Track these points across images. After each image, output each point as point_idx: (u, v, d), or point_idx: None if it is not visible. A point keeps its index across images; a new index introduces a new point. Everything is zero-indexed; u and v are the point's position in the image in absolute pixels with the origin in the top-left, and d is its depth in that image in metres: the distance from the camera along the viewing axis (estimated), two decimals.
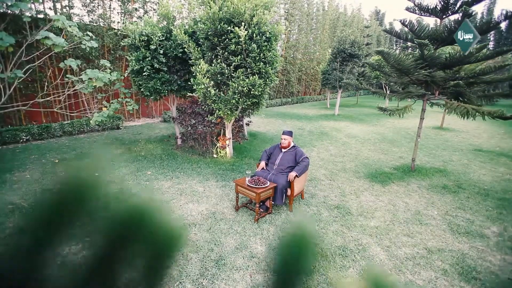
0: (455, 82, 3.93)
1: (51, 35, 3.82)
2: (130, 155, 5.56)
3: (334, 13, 20.82)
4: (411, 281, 2.32)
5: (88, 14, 7.95)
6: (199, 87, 4.56)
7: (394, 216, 3.42)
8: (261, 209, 3.35)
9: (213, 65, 4.50)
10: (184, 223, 3.10)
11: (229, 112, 4.79)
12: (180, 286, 2.19)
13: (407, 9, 4.68)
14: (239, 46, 4.21)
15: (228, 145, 5.49)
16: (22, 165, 4.77)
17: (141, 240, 0.23)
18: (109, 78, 4.72)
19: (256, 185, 3.13)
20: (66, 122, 7.07)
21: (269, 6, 4.41)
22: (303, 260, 0.24)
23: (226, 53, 4.38)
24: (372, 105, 17.95)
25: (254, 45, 4.18)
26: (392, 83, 5.16)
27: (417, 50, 4.26)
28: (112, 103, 5.06)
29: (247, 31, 4.09)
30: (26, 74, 4.37)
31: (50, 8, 7.30)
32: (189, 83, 5.37)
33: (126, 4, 8.46)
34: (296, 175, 3.28)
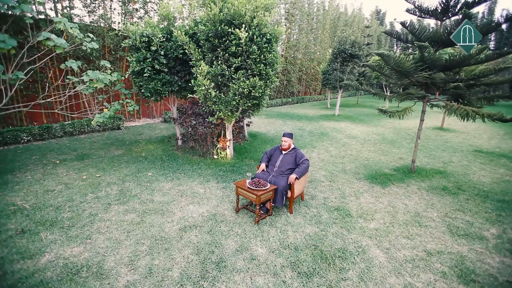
0: (455, 84, 3.93)
1: (53, 36, 3.83)
2: (130, 156, 5.58)
3: (335, 13, 20.80)
4: (410, 283, 2.34)
5: (89, 15, 7.96)
6: (200, 88, 4.57)
7: (393, 218, 3.43)
8: (261, 211, 3.37)
9: (213, 66, 4.51)
10: (185, 224, 3.12)
11: (229, 114, 4.80)
12: None
13: (407, 10, 4.69)
14: (239, 48, 4.22)
15: (228, 146, 5.50)
16: (23, 166, 4.79)
17: None
18: (109, 79, 4.74)
19: (256, 187, 3.15)
20: (67, 122, 7.09)
21: (269, 7, 4.42)
22: None
23: (227, 54, 4.39)
24: (372, 105, 17.95)
25: (255, 47, 4.19)
26: (392, 85, 5.17)
27: (418, 51, 4.26)
28: (112, 104, 5.08)
29: (247, 33, 4.10)
30: (28, 76, 4.39)
31: (51, 9, 7.31)
32: (189, 84, 5.38)
33: (126, 4, 8.46)
34: (296, 177, 3.30)
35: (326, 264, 2.54)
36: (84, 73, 4.40)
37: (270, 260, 2.57)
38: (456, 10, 4.14)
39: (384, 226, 3.24)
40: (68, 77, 4.88)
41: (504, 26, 26.96)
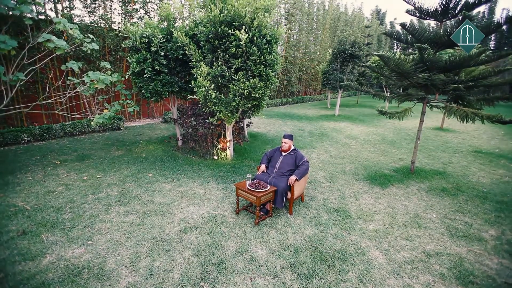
0: (455, 85, 3.94)
1: (53, 38, 3.84)
2: (131, 157, 5.59)
3: (335, 12, 20.79)
4: (409, 285, 2.35)
5: (89, 15, 7.96)
6: (200, 89, 4.58)
7: (393, 219, 3.45)
8: (261, 212, 3.38)
9: (213, 67, 4.52)
10: (186, 226, 3.14)
11: (229, 115, 4.81)
12: None
13: (408, 12, 4.70)
14: (239, 49, 4.23)
15: (228, 147, 5.51)
16: (24, 167, 4.80)
17: None
18: (110, 80, 4.75)
19: (256, 188, 3.16)
20: (67, 123, 7.10)
21: (269, 9, 4.42)
22: None
23: (227, 55, 4.40)
24: (372, 105, 17.95)
25: (255, 48, 4.20)
26: (392, 85, 5.18)
27: (417, 52, 4.27)
28: (113, 105, 5.08)
29: (247, 34, 4.11)
30: (28, 77, 4.39)
31: (51, 9, 7.32)
32: (190, 85, 5.38)
33: (126, 5, 8.46)
34: (296, 179, 3.31)
35: (326, 265, 2.56)
36: (84, 74, 4.41)
37: (270, 262, 2.58)
38: (456, 12, 4.15)
39: (384, 228, 3.25)
40: (69, 77, 4.89)
41: (504, 27, 26.94)
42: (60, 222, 3.12)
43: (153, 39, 4.98)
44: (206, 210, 3.51)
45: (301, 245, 2.85)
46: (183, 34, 4.73)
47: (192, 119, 5.82)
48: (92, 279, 2.30)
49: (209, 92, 4.51)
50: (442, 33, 4.11)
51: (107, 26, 8.26)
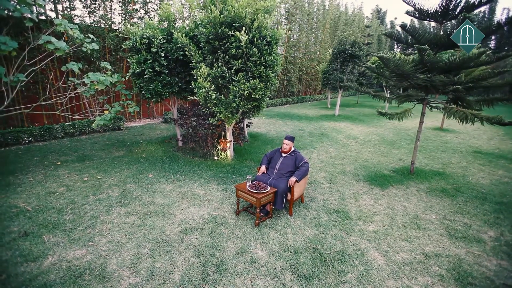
0: (455, 87, 3.95)
1: (53, 39, 3.85)
2: (131, 157, 5.61)
3: (335, 12, 20.76)
4: (408, 286, 2.37)
5: (89, 16, 7.96)
6: (200, 90, 4.59)
7: (392, 221, 3.46)
8: (261, 214, 3.40)
9: (214, 68, 4.53)
10: (186, 227, 3.16)
11: (230, 115, 4.83)
12: None
13: (408, 13, 4.70)
14: (240, 50, 4.24)
15: (229, 148, 5.53)
16: (24, 167, 4.82)
17: None
18: (110, 81, 4.76)
19: (257, 190, 3.18)
20: (67, 123, 7.11)
21: (269, 10, 4.43)
22: None
23: (227, 56, 4.41)
24: (372, 105, 17.96)
25: (255, 49, 4.21)
26: (392, 86, 5.18)
27: (417, 53, 4.27)
28: (113, 105, 5.10)
29: (248, 35, 4.12)
30: (29, 78, 4.41)
31: (51, 10, 7.32)
32: (190, 86, 5.40)
33: (126, 5, 8.46)
34: (296, 180, 3.33)
35: (326, 267, 2.58)
36: (85, 75, 4.42)
37: (270, 263, 2.60)
38: (456, 13, 4.15)
39: (383, 229, 3.27)
40: (69, 78, 4.91)
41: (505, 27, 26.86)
42: (61, 223, 3.14)
43: (153, 40, 4.99)
44: (206, 211, 3.53)
45: (301, 246, 2.87)
46: (183, 35, 4.74)
47: (193, 119, 5.83)
48: (94, 280, 2.32)
49: (209, 93, 4.53)
50: (442, 34, 4.11)
51: (107, 26, 8.27)
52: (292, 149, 3.74)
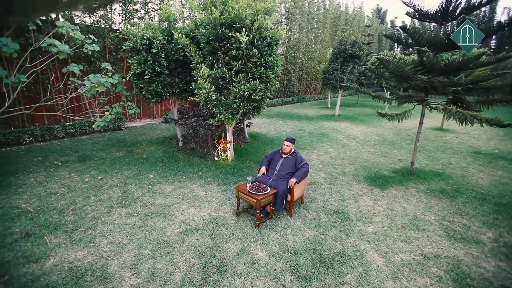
0: (455, 88, 3.96)
1: (56, 42, 3.87)
2: (132, 158, 5.62)
3: (335, 11, 20.75)
4: (407, 287, 2.39)
5: (90, 16, 7.97)
6: (201, 91, 4.61)
7: (392, 222, 3.48)
8: (261, 215, 3.42)
9: (214, 69, 4.54)
10: (187, 228, 3.18)
11: (230, 116, 4.84)
12: None
13: (407, 14, 4.71)
14: (240, 51, 4.25)
15: (229, 148, 5.54)
16: (25, 168, 4.84)
17: None
18: (111, 82, 4.78)
19: (257, 191, 3.20)
20: (68, 123, 7.13)
21: (270, 11, 4.44)
22: None
23: (227, 57, 4.42)
24: (373, 105, 17.96)
25: (255, 50, 4.22)
26: (392, 87, 5.19)
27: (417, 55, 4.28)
28: (113, 107, 5.11)
29: (248, 37, 4.13)
30: (30, 79, 4.42)
31: None
32: (190, 86, 5.41)
33: (127, 5, 8.47)
34: (296, 182, 3.35)
35: (325, 268, 2.60)
36: (85, 78, 4.44)
37: (270, 264, 2.62)
38: (456, 15, 4.16)
39: (383, 230, 3.29)
40: (70, 79, 4.92)
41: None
42: (63, 224, 3.16)
43: (153, 40, 5.00)
44: (207, 212, 3.55)
45: (301, 248, 2.89)
46: (184, 35, 4.75)
47: (193, 120, 5.85)
48: (95, 281, 2.34)
49: (210, 94, 4.54)
50: (442, 35, 4.12)
51: (108, 26, 8.27)
52: (292, 150, 3.76)
